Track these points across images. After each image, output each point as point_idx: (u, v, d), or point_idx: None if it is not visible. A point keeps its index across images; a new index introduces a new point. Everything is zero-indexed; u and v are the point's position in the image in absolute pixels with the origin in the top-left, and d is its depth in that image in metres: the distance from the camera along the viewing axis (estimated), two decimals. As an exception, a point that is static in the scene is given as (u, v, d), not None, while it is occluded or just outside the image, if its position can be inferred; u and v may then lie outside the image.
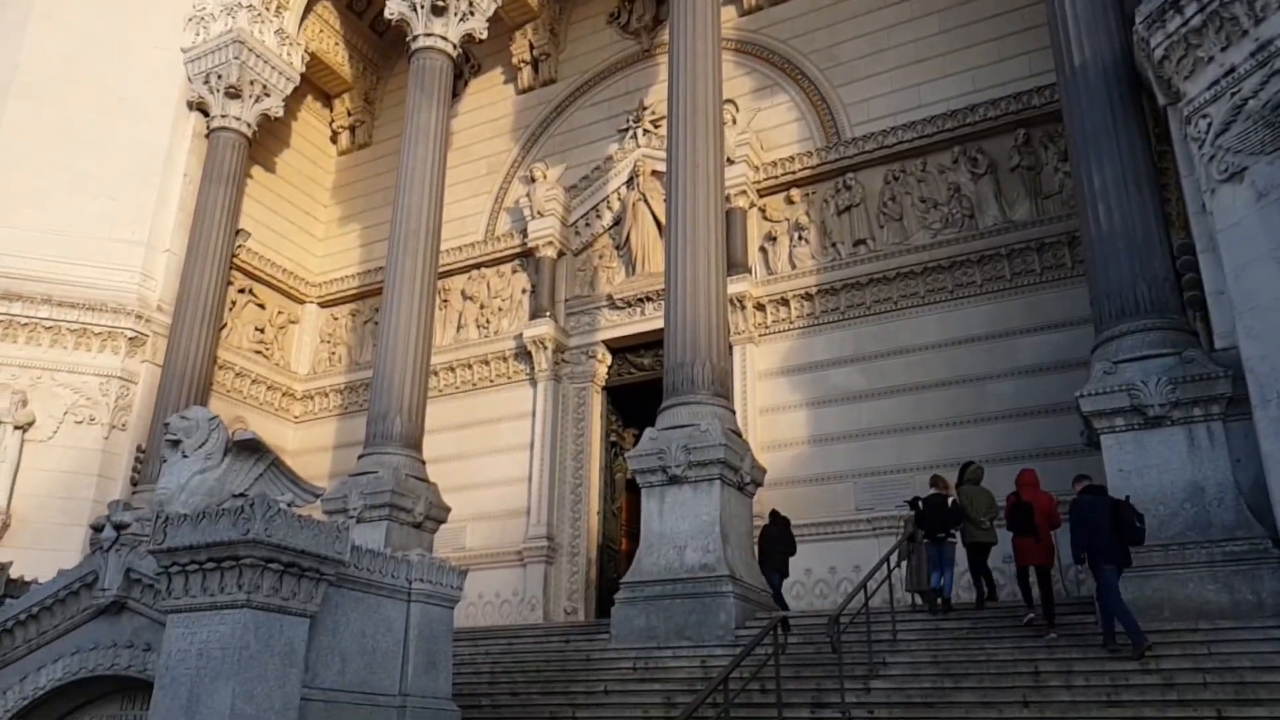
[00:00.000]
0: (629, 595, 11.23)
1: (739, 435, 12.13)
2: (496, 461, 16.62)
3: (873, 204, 15.13)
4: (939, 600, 10.63)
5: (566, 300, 17.18)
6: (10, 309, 15.92)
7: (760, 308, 15.29)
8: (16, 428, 15.52)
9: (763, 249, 15.79)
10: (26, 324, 16.01)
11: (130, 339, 16.47)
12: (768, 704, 8.79)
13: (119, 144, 17.40)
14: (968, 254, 14.16)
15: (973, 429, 13.39)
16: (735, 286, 14.58)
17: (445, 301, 17.91)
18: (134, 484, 15.63)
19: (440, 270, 15.90)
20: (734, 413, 12.40)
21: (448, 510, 14.11)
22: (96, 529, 8.04)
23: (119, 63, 17.85)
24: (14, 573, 9.13)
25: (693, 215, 12.39)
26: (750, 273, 15.42)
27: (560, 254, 17.33)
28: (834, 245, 15.20)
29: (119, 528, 7.81)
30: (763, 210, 15.96)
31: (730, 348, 13.52)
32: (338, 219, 20.76)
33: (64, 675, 8.12)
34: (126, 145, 17.43)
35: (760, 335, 15.24)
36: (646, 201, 16.44)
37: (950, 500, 10.88)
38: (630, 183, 16.81)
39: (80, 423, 15.99)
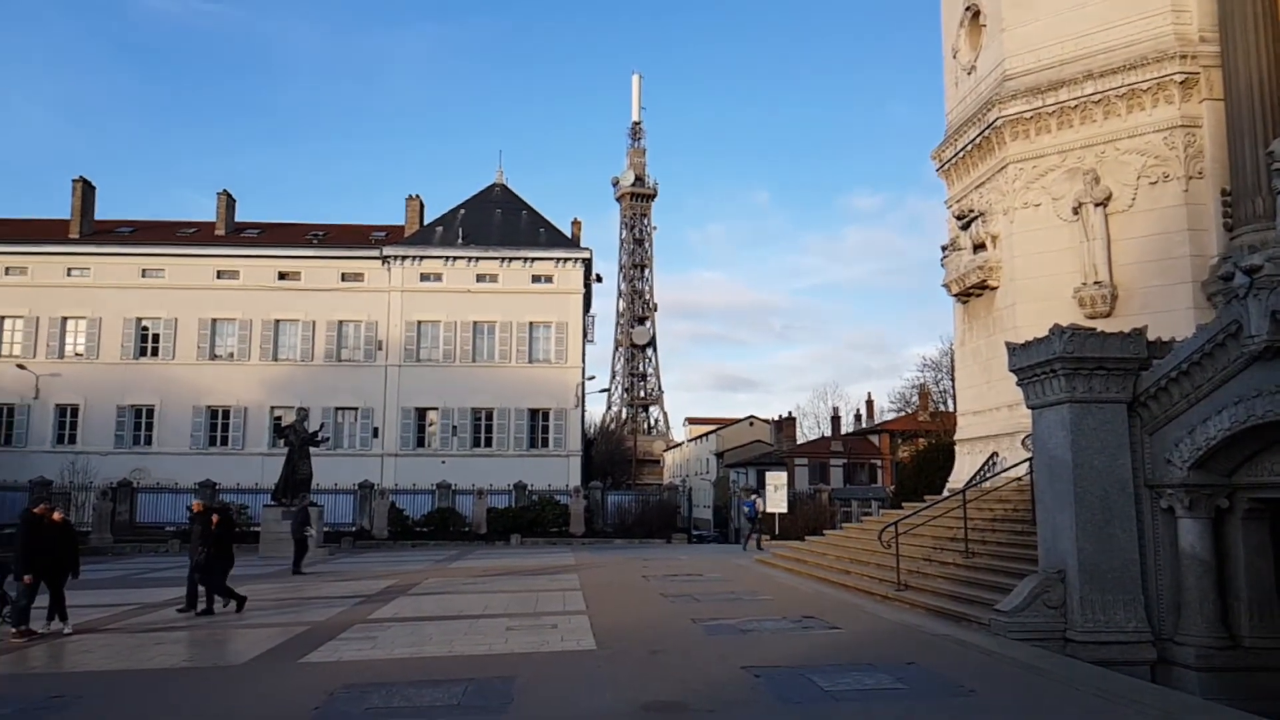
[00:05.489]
0: None
1: None
2: None
3: None
4: None
5: None
6: (1059, 96, 16.63)
7: None
8: (1097, 205, 16.20)
9: None
10: (1077, 105, 16.51)
11: (1180, 83, 15.51)
12: None
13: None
14: None
15: None
16: None
17: None
18: (1228, 229, 14.73)
19: None
20: None
21: None
22: (1225, 279, 7.69)
23: None
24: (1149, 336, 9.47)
25: None
26: None
27: None
28: None
29: (1250, 272, 7.30)
30: None
31: None
32: None
33: (1231, 425, 8.12)
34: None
35: None
36: None
37: None
38: None
39: (1154, 183, 15.81)
